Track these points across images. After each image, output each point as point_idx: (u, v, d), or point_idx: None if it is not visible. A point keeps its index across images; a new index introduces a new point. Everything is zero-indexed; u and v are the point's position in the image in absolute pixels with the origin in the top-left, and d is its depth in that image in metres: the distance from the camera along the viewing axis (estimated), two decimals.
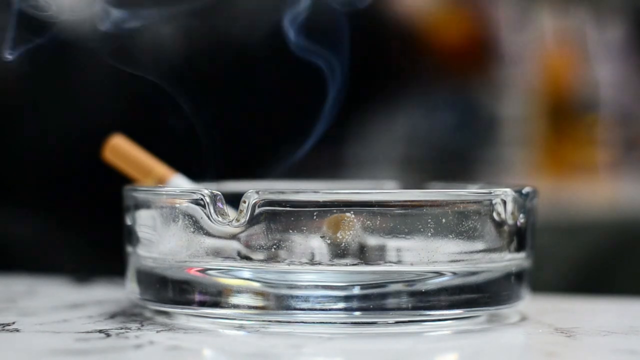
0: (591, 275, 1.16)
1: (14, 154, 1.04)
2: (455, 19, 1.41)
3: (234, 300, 0.45)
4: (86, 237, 1.03)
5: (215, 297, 0.45)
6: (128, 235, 0.50)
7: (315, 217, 0.44)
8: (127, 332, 0.45)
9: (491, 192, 0.46)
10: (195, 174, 0.53)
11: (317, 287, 0.44)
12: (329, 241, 0.44)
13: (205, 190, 0.45)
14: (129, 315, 0.50)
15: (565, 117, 1.43)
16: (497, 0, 1.43)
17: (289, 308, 0.44)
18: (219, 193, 0.45)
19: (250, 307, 0.45)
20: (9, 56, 0.57)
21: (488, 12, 1.43)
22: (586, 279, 1.15)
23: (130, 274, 0.49)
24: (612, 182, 1.41)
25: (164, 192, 0.48)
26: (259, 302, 0.45)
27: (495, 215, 0.46)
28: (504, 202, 0.46)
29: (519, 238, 0.47)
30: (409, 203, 0.44)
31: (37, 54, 1.03)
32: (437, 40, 1.37)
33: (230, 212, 0.45)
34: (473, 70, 1.41)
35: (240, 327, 0.45)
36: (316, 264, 0.44)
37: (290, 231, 0.44)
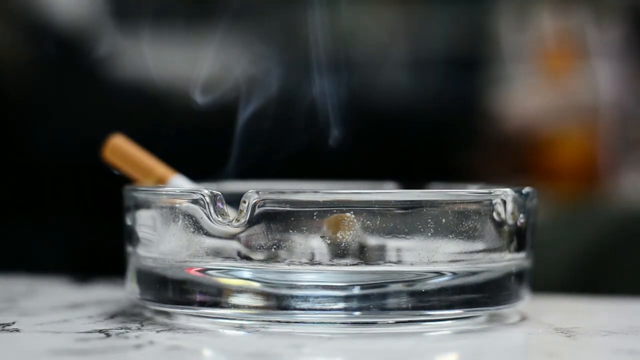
0: (591, 275, 1.16)
1: (15, 155, 1.04)
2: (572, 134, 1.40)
3: (234, 300, 0.45)
4: (86, 237, 1.03)
5: (215, 297, 0.45)
6: (128, 235, 0.50)
7: (315, 217, 0.44)
8: (127, 332, 0.45)
9: (491, 192, 0.46)
10: (195, 174, 0.53)
11: (317, 287, 0.44)
12: (329, 241, 0.44)
13: (205, 190, 0.45)
14: (129, 315, 0.50)
15: (565, 117, 1.43)
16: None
17: (289, 308, 0.44)
18: (219, 193, 0.45)
19: (250, 307, 0.45)
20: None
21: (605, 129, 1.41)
22: (586, 279, 1.15)
23: (130, 274, 0.49)
24: (612, 182, 1.41)
25: (164, 192, 0.48)
26: (259, 302, 0.45)
27: (495, 215, 0.46)
28: (504, 202, 0.46)
29: (519, 238, 0.47)
30: (409, 203, 0.44)
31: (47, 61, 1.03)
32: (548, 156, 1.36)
33: (230, 212, 0.45)
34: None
35: (240, 327, 0.45)
36: (316, 264, 0.44)
37: (290, 231, 0.44)
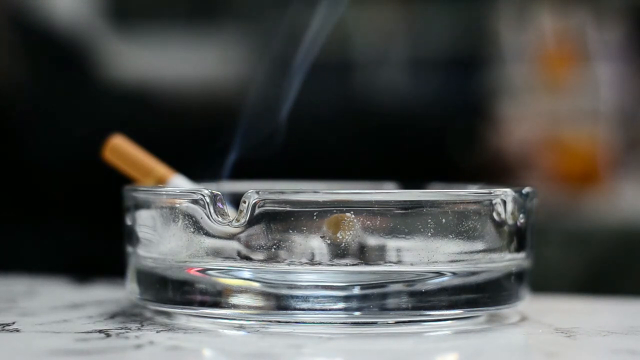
0: (593, 279, 1.16)
1: (15, 156, 1.04)
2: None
3: (234, 300, 0.45)
4: (86, 238, 1.03)
5: (215, 297, 0.45)
6: (128, 235, 0.50)
7: (315, 217, 0.44)
8: (127, 332, 0.45)
9: (491, 192, 0.46)
10: (195, 174, 0.53)
11: (317, 287, 0.44)
12: (329, 241, 0.44)
13: (205, 190, 0.45)
14: (129, 315, 0.50)
15: (565, 117, 1.43)
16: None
17: (289, 308, 0.44)
18: (219, 193, 0.45)
19: (250, 307, 0.45)
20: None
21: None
22: (588, 283, 1.15)
23: (130, 274, 0.49)
24: (612, 182, 1.41)
25: (164, 192, 0.48)
26: (259, 302, 0.45)
27: (495, 215, 0.46)
28: (504, 202, 0.46)
29: (519, 238, 0.47)
30: (409, 203, 0.44)
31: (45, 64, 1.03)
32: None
33: (230, 212, 0.45)
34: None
35: (240, 327, 0.45)
36: (316, 264, 0.44)
37: (290, 231, 0.44)
